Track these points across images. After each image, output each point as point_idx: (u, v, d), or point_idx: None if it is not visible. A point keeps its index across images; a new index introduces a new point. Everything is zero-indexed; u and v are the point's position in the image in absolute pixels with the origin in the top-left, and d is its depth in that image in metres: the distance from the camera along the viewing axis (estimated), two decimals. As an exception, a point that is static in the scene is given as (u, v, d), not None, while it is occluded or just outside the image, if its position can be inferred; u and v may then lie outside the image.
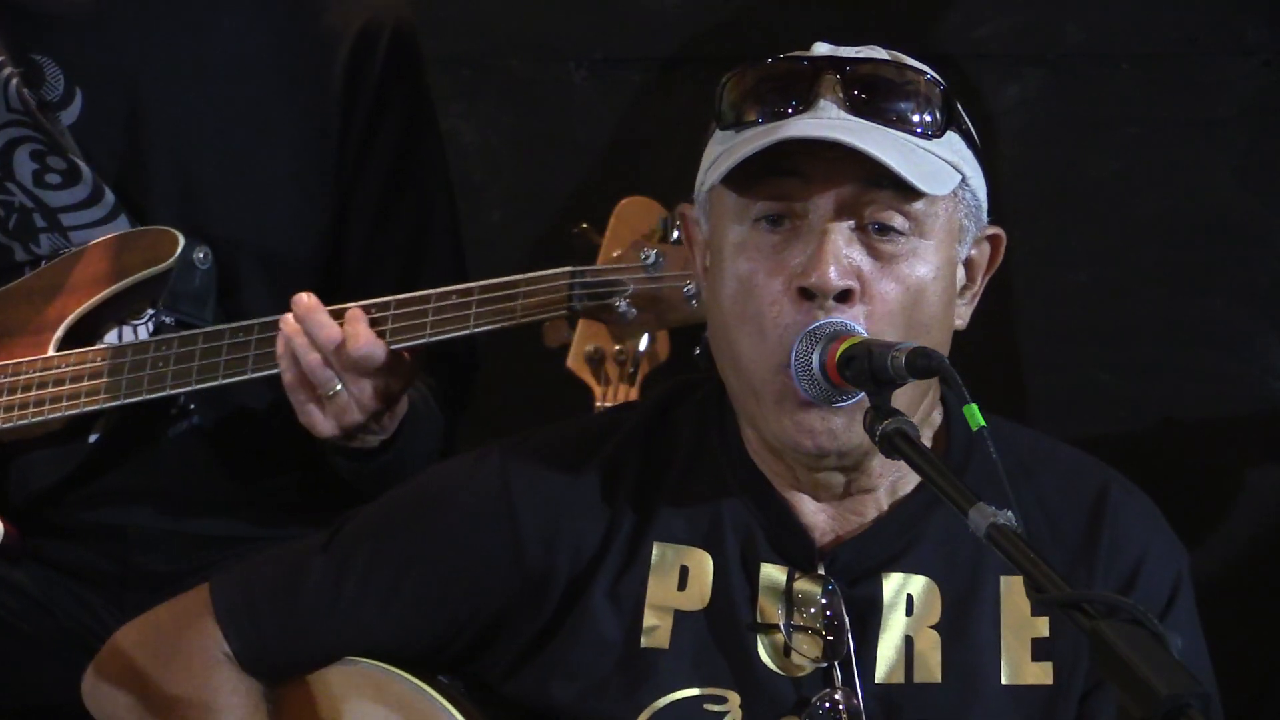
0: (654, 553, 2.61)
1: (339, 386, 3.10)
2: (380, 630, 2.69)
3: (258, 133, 3.37)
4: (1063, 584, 2.10)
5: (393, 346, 3.10)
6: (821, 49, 2.57)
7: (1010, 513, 2.17)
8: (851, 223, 2.48)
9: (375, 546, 2.70)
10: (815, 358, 2.44)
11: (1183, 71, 4.02)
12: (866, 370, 2.38)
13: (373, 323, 3.10)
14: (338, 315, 3.12)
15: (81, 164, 3.36)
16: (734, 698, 2.57)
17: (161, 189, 3.37)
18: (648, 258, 3.06)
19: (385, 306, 3.12)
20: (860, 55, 2.55)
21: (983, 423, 2.26)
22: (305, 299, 3.12)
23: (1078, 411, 4.04)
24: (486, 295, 3.10)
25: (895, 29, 3.95)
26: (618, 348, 3.30)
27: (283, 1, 3.40)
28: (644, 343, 3.27)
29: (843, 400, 2.46)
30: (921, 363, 2.34)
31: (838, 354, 2.42)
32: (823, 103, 2.49)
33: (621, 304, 3.09)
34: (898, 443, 2.32)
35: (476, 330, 3.09)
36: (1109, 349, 4.07)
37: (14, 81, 3.37)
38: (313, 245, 3.39)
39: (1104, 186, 4.06)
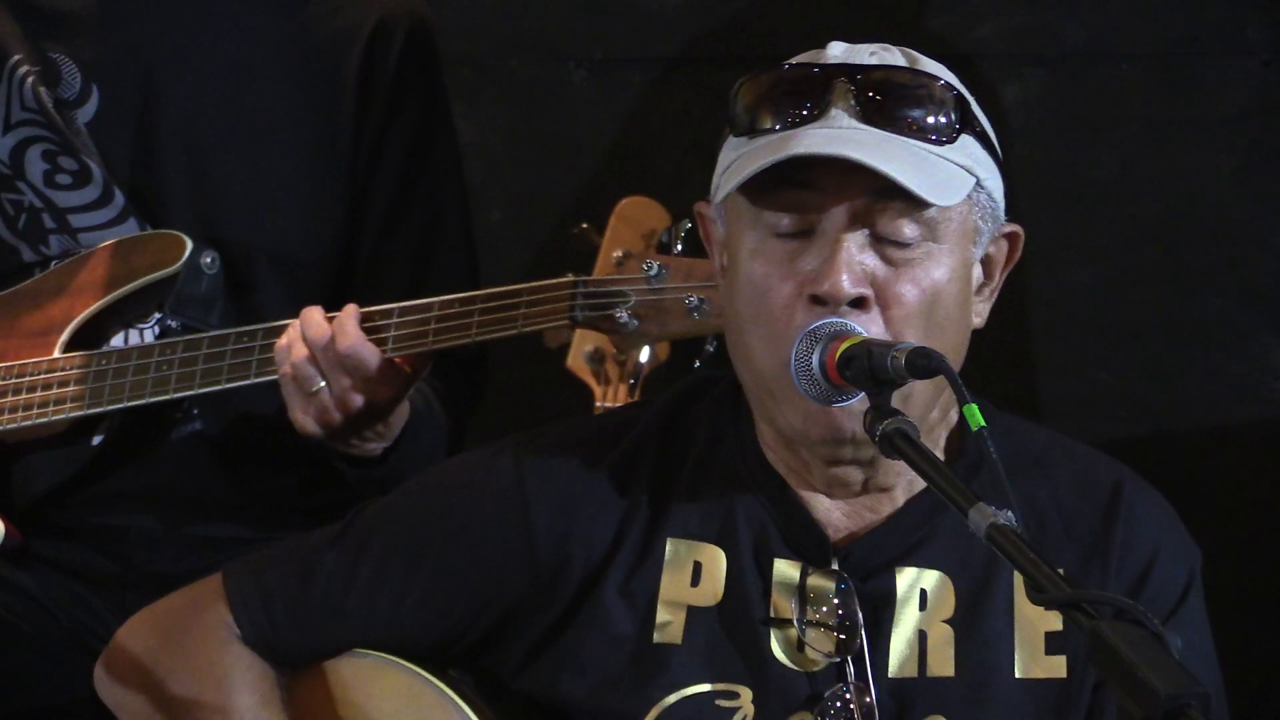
0: (667, 548, 2.62)
1: (321, 384, 3.10)
2: (392, 622, 2.69)
3: (271, 133, 3.37)
4: (1063, 584, 2.11)
5: (394, 354, 3.10)
6: (836, 50, 2.58)
7: (1010, 513, 2.17)
8: (865, 231, 2.50)
9: (388, 539, 2.70)
10: (815, 358, 2.44)
11: (1183, 71, 4.02)
12: (866, 370, 2.39)
13: (374, 330, 3.10)
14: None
15: (93, 165, 3.36)
16: (746, 693, 2.57)
17: (174, 189, 3.37)
18: (650, 269, 3.05)
19: (388, 314, 3.12)
20: (873, 61, 2.56)
21: (983, 422, 2.26)
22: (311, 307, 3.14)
23: (1078, 411, 4.04)
24: (488, 305, 3.09)
25: (895, 29, 3.94)
26: (617, 350, 3.30)
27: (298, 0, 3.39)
28: (645, 354, 3.26)
29: (842, 400, 2.46)
30: (921, 363, 2.35)
31: (838, 354, 2.42)
32: (834, 111, 2.50)
33: (623, 314, 3.08)
34: (897, 442, 2.32)
35: (478, 339, 3.09)
36: (1109, 349, 4.07)
37: (30, 80, 3.37)
38: (325, 246, 3.38)
39: (1104, 186, 4.06)
